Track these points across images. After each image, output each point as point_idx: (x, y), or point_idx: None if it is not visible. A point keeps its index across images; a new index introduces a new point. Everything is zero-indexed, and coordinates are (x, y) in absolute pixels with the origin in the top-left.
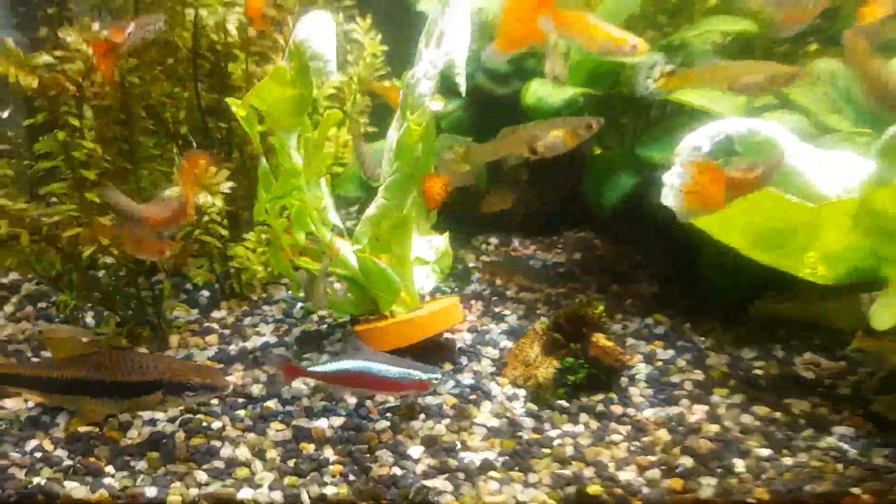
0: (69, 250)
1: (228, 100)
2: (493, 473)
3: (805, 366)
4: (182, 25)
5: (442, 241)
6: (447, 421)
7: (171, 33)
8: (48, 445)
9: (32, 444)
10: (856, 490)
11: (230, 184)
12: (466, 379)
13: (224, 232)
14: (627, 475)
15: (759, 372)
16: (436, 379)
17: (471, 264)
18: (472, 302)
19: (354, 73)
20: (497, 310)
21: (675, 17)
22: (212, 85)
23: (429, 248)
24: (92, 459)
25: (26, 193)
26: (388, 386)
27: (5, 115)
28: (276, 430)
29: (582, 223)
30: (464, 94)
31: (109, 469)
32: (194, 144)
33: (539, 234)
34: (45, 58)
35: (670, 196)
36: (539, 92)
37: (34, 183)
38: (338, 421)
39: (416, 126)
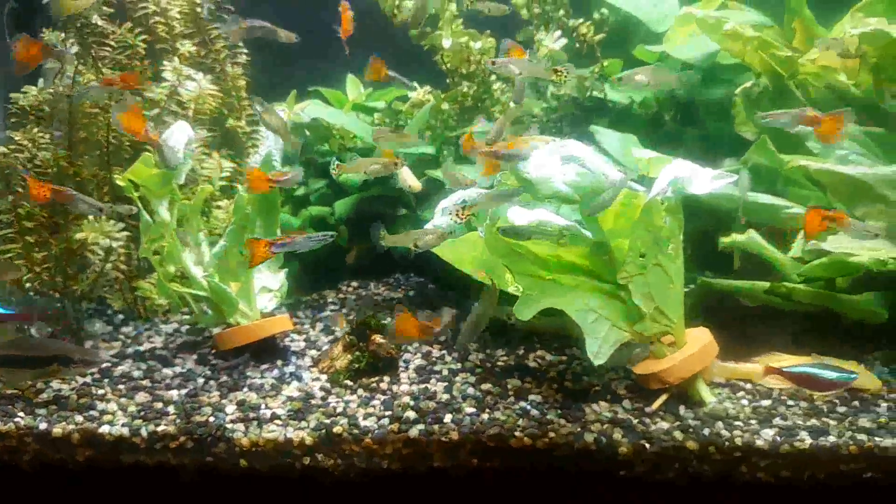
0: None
1: (115, 175)
2: (277, 422)
3: (534, 359)
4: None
5: (283, 275)
6: (262, 392)
7: (96, 134)
8: None
9: None
10: (519, 434)
11: (125, 233)
12: (289, 369)
13: (124, 268)
14: (367, 423)
15: (500, 363)
16: None
17: (329, 300)
18: (318, 323)
19: None
20: (333, 328)
21: (458, 122)
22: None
23: (274, 280)
24: (10, 408)
25: None
26: None
27: None
28: (142, 396)
29: (421, 270)
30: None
31: (21, 414)
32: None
33: (389, 279)
34: (2, 149)
35: None
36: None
37: None
38: (185, 391)
39: (245, 194)
